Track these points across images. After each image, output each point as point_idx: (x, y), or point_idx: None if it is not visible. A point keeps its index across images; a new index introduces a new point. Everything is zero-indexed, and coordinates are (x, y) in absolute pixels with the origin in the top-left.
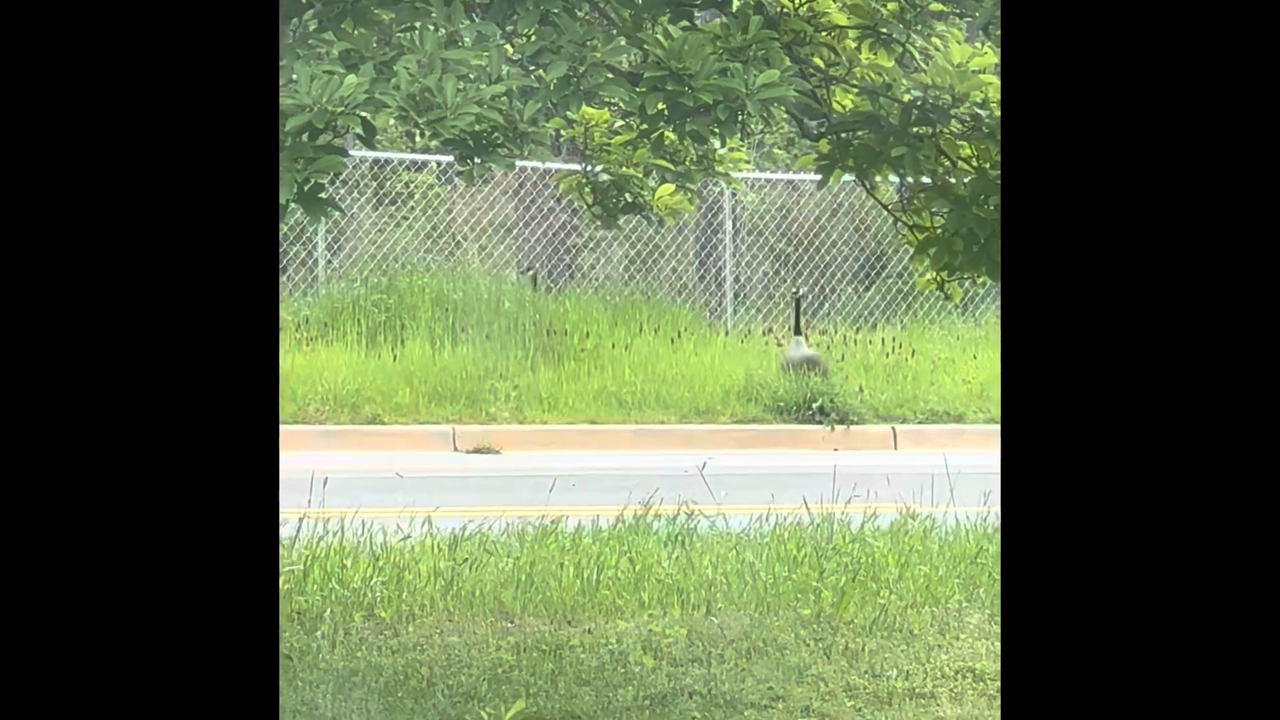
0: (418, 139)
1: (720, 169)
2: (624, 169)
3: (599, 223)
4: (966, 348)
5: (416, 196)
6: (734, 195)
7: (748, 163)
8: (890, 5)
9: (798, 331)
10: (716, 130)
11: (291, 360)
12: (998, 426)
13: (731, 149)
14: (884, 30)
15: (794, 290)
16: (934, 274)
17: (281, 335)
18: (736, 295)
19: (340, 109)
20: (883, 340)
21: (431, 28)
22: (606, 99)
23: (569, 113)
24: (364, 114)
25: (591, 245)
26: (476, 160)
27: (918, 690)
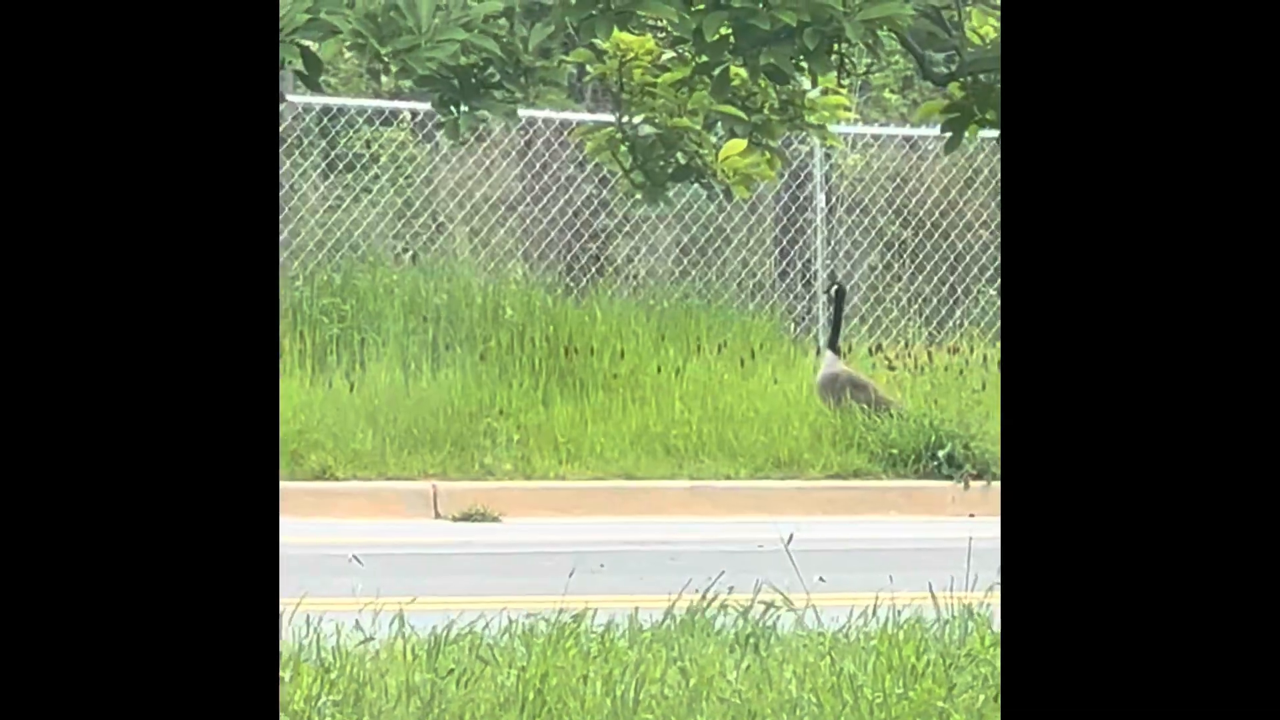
0: (383, 79)
1: (811, 119)
2: (675, 119)
3: (639, 195)
4: None
5: (383, 160)
6: (829, 157)
7: (849, 110)
8: None
9: (832, 346)
10: (803, 64)
11: None
12: None
13: (827, 91)
14: None
15: (828, 284)
16: None
17: None
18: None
19: None
20: None
21: None
22: (649, 20)
23: (596, 40)
24: (306, 41)
25: (628, 228)
26: (464, 108)
27: None
